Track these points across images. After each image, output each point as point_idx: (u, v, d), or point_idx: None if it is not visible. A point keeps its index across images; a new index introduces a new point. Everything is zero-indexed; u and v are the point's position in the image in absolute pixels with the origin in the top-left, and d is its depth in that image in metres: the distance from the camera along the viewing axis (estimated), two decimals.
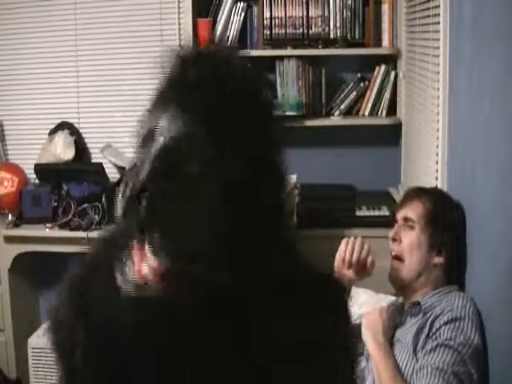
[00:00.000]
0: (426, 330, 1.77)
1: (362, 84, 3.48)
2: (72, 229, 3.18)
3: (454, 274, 1.95)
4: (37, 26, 3.62)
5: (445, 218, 1.96)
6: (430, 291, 1.90)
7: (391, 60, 3.45)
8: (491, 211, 1.75)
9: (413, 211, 1.97)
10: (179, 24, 3.50)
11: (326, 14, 3.41)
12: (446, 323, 1.73)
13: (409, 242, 1.94)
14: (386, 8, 3.41)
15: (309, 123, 3.42)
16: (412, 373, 1.74)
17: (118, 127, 3.62)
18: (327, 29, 3.42)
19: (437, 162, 2.37)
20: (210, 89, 0.89)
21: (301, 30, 3.43)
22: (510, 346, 1.59)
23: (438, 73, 2.34)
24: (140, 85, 3.58)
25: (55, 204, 3.26)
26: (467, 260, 1.95)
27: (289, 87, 3.46)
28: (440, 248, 1.92)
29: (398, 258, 1.96)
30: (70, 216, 3.20)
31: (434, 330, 1.74)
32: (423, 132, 2.75)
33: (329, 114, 3.50)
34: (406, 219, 1.97)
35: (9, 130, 3.73)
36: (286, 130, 0.97)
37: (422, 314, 1.84)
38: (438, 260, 1.92)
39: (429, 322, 1.78)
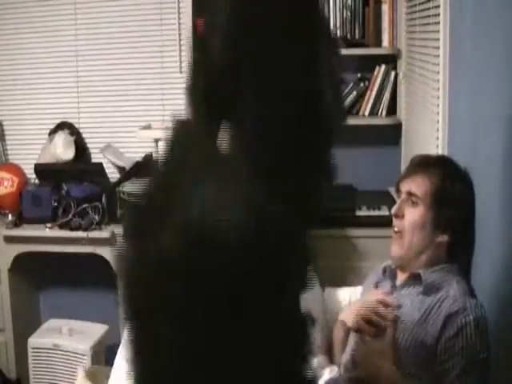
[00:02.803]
0: (434, 323, 1.70)
1: (361, 84, 3.48)
2: (72, 229, 3.18)
3: (457, 252, 1.86)
4: (37, 25, 3.63)
5: (452, 194, 1.84)
6: (430, 267, 1.83)
7: (391, 60, 3.45)
8: (491, 211, 1.75)
9: (418, 187, 1.85)
10: (179, 24, 3.50)
11: (326, 13, 3.41)
12: (465, 327, 1.65)
13: (412, 221, 1.84)
14: (386, 8, 3.41)
15: None
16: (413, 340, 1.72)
17: (118, 127, 3.62)
18: None
19: None
20: None
21: None
22: (508, 343, 1.59)
23: (438, 73, 2.34)
24: (140, 84, 3.59)
25: (55, 204, 3.25)
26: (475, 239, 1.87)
27: None
28: (445, 226, 1.82)
29: (400, 233, 1.86)
30: (70, 216, 3.19)
31: (451, 332, 1.66)
32: (423, 132, 2.75)
33: None
34: (410, 194, 1.86)
35: (9, 130, 3.74)
36: None
37: (423, 290, 1.79)
38: (443, 238, 1.83)
39: (436, 312, 1.71)
